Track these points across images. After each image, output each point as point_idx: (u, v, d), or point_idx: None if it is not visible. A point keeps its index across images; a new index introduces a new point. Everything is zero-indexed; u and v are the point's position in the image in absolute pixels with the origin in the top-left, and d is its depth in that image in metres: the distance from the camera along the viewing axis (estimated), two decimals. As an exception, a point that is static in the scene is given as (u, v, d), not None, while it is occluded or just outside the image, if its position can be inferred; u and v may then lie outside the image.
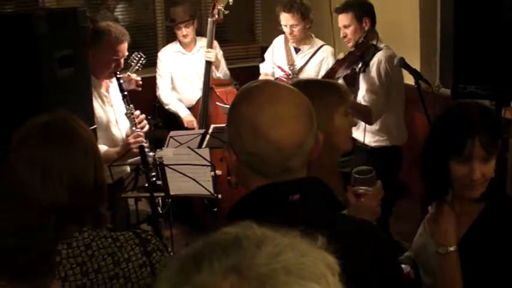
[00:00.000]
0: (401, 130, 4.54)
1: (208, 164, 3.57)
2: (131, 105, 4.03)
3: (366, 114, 4.30)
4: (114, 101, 4.11)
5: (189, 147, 3.72)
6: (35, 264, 1.26)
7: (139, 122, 4.01)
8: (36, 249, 1.26)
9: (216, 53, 5.51)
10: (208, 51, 5.42)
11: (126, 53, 4.13)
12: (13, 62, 3.10)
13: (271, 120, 1.53)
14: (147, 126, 4.08)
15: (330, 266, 0.84)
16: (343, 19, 4.53)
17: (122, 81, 4.05)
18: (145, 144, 3.99)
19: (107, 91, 4.13)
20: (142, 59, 5.21)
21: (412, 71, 4.08)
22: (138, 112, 4.10)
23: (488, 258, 2.11)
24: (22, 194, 1.28)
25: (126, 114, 4.02)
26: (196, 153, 3.53)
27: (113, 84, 4.13)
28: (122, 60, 4.08)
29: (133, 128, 3.96)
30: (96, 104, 3.94)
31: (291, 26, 5.06)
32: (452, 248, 2.15)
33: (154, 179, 3.86)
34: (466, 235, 2.20)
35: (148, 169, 3.81)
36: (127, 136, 4.00)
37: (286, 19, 5.07)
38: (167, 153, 3.72)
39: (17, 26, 3.12)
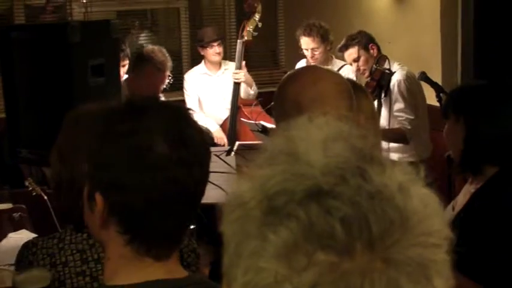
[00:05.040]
0: (427, 144, 4.60)
1: (235, 171, 3.65)
2: None
3: (400, 136, 4.36)
4: None
5: (215, 154, 3.81)
6: None
7: None
8: None
9: (245, 72, 5.61)
10: (236, 73, 5.51)
11: (166, 81, 4.19)
12: (48, 68, 3.23)
13: (314, 98, 1.66)
14: None
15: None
16: (350, 54, 4.64)
17: None
18: None
19: None
20: (170, 78, 5.32)
21: (434, 85, 4.16)
22: None
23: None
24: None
25: None
26: (223, 160, 3.62)
27: None
28: (161, 87, 4.15)
29: None
30: None
31: (312, 49, 5.15)
32: None
33: None
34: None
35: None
36: None
37: (306, 43, 5.16)
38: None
39: (53, 35, 3.25)
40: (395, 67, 4.50)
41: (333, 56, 5.36)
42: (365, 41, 4.57)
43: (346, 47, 4.64)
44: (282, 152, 0.73)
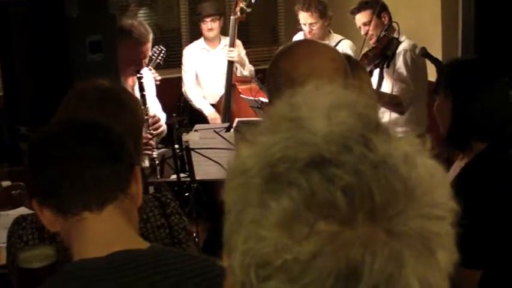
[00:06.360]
0: (422, 120, 4.59)
1: (234, 148, 3.64)
2: (147, 106, 4.08)
3: (397, 104, 4.34)
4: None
5: (214, 130, 3.80)
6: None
7: (154, 123, 4.03)
8: None
9: (239, 51, 5.57)
10: (230, 51, 5.48)
11: (149, 53, 4.16)
12: (46, 44, 3.21)
13: (307, 73, 1.61)
14: (162, 128, 4.10)
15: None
16: (362, 17, 4.64)
17: (142, 80, 4.12)
18: (155, 155, 3.99)
19: (133, 89, 4.19)
20: (163, 52, 5.28)
21: (434, 61, 4.12)
22: (153, 113, 4.14)
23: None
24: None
25: None
26: (222, 136, 3.61)
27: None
28: (145, 60, 4.12)
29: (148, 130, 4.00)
30: None
31: (310, 24, 5.12)
32: None
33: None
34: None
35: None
36: None
37: (304, 18, 5.13)
38: (193, 137, 3.79)
39: (51, 10, 3.22)
40: (403, 38, 4.50)
41: (331, 31, 5.33)
42: (378, 7, 4.57)
43: (358, 10, 4.65)
44: (285, 118, 0.71)
